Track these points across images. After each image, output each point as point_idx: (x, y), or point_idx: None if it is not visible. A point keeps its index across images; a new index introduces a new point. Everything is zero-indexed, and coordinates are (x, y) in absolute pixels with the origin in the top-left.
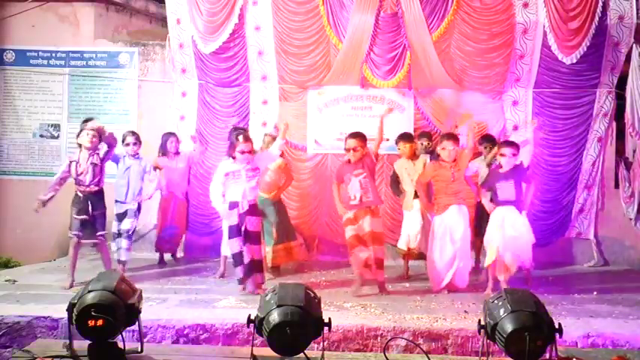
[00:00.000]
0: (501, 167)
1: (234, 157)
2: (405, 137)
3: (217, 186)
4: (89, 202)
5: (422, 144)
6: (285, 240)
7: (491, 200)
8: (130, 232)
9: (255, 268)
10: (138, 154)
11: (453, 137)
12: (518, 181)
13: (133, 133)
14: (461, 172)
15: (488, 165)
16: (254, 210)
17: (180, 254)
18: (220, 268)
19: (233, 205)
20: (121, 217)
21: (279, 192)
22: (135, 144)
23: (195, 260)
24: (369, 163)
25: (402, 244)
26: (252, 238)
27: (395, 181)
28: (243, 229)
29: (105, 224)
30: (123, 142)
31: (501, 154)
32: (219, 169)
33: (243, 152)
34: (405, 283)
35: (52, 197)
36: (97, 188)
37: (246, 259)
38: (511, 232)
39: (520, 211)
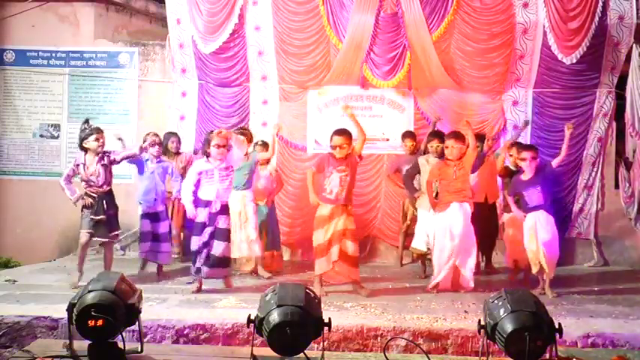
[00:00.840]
0: (523, 173)
1: (208, 155)
2: (436, 135)
3: (189, 185)
4: (104, 202)
5: (405, 145)
6: (272, 248)
7: (519, 207)
8: (169, 235)
9: (223, 264)
10: (160, 156)
11: (456, 135)
12: (544, 184)
13: (156, 135)
14: (464, 171)
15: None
16: (225, 209)
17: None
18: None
19: (206, 204)
20: (151, 218)
21: (270, 198)
22: (160, 145)
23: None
24: (353, 162)
25: (420, 245)
26: (223, 235)
27: (410, 177)
28: (212, 229)
29: (117, 224)
30: (144, 144)
31: (522, 159)
32: (192, 168)
33: (218, 146)
34: (406, 283)
35: (79, 195)
36: (109, 188)
37: (212, 255)
38: (546, 236)
39: (549, 213)
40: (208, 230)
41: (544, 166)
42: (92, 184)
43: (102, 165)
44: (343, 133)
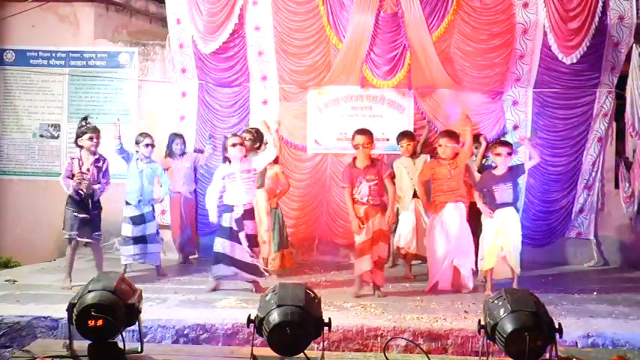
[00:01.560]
0: (496, 168)
1: (229, 160)
2: (407, 135)
3: (214, 191)
4: (89, 201)
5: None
6: (280, 247)
7: (486, 203)
8: (158, 236)
9: (254, 269)
10: (151, 157)
11: (449, 134)
12: (515, 182)
13: (149, 136)
14: (458, 170)
15: (480, 166)
16: (251, 214)
17: (195, 255)
18: None
19: (229, 209)
20: (136, 220)
21: (276, 199)
22: (153, 146)
23: (195, 260)
24: (382, 173)
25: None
26: (252, 241)
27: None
28: (243, 234)
29: (100, 224)
30: (137, 143)
31: (497, 154)
32: (216, 174)
33: (234, 145)
34: (406, 284)
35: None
36: (96, 188)
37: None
38: (514, 235)
39: (517, 211)
40: (242, 235)
41: (518, 165)
42: (83, 181)
43: (95, 166)
44: (365, 132)
